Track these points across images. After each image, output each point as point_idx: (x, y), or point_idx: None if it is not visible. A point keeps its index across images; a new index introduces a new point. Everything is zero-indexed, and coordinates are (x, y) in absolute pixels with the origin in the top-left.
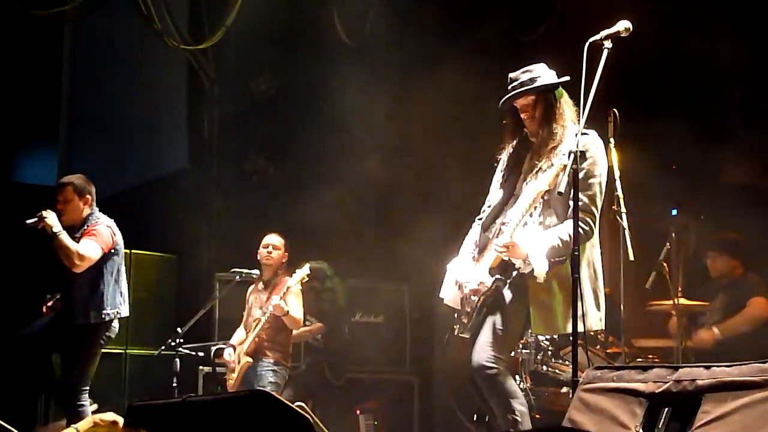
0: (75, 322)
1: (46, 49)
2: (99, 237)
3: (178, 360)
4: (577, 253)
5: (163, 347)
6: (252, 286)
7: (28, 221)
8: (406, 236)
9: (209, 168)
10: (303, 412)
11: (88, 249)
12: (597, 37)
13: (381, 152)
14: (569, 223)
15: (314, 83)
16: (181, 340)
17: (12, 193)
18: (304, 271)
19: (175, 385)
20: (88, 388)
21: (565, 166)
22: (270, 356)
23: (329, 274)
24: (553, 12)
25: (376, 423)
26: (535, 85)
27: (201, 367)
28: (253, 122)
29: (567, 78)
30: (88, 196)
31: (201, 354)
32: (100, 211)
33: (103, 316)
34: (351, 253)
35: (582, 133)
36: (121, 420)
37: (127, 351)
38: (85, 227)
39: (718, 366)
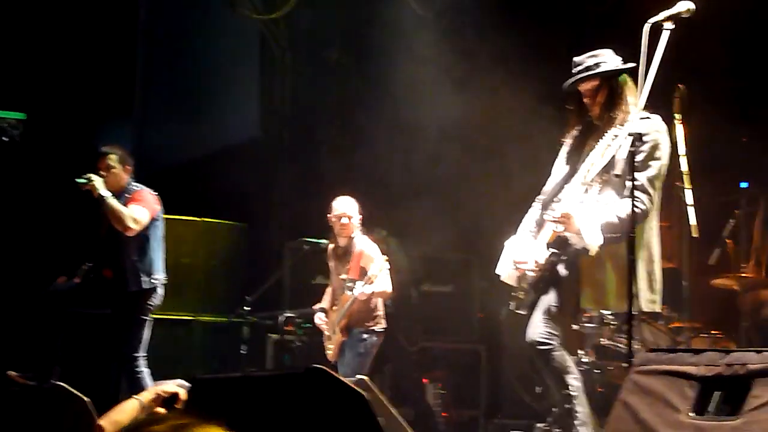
0: (128, 289)
1: (120, 20)
2: (146, 203)
3: (247, 328)
4: (633, 235)
5: (232, 315)
6: (330, 250)
7: (78, 179)
8: (475, 207)
9: (280, 137)
10: (363, 389)
11: (139, 213)
12: (658, 17)
13: (451, 126)
14: (626, 201)
15: (386, 52)
16: (251, 308)
17: (92, 159)
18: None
19: (244, 352)
20: (144, 354)
21: (615, 136)
22: (361, 326)
23: (389, 241)
24: None
25: (443, 391)
26: (600, 70)
27: (270, 335)
28: (324, 91)
29: (632, 64)
30: (129, 167)
31: (270, 322)
32: (166, 178)
33: (153, 281)
34: (420, 222)
35: (645, 117)
36: (183, 392)
37: (198, 318)
38: (128, 195)
39: None
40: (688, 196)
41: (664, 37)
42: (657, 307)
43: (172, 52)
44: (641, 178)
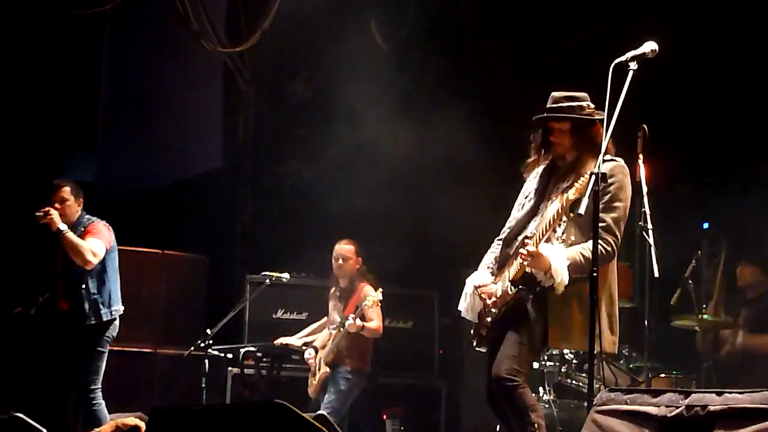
0: (87, 322)
1: (85, 49)
2: (101, 235)
3: (207, 361)
4: (595, 275)
5: (193, 348)
6: (332, 290)
7: (38, 212)
8: (437, 243)
9: (244, 170)
10: (323, 424)
11: (97, 246)
12: (623, 58)
13: (416, 158)
14: (591, 242)
15: (350, 87)
16: (211, 342)
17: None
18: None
19: (204, 386)
20: (100, 387)
21: (588, 180)
22: (348, 364)
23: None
24: (587, 24)
25: (402, 428)
26: (574, 115)
27: (230, 369)
28: (288, 125)
29: (603, 115)
30: (81, 199)
31: (230, 356)
32: (126, 209)
33: (113, 312)
34: (381, 258)
35: (610, 159)
36: (143, 425)
37: (158, 351)
38: (83, 228)
39: (730, 392)
40: (650, 237)
41: (629, 77)
42: (615, 348)
43: (135, 83)
44: (607, 218)
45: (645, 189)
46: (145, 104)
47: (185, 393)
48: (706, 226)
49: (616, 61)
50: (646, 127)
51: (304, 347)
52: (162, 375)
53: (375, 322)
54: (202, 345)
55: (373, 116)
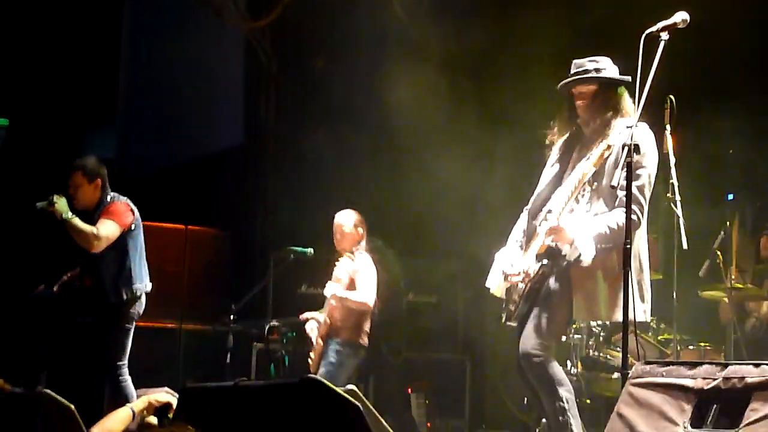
0: (108, 301)
1: (104, 27)
2: (116, 215)
3: (231, 336)
4: (629, 247)
5: (217, 323)
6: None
7: (39, 204)
8: (461, 217)
9: (265, 145)
10: (354, 398)
11: (104, 229)
12: (654, 28)
13: (440, 131)
14: (618, 211)
15: (372, 60)
16: (236, 317)
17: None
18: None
19: (228, 361)
20: (125, 363)
21: (609, 146)
22: (340, 336)
23: (385, 252)
24: None
25: (427, 402)
26: (600, 75)
27: (255, 344)
28: (309, 99)
29: (629, 78)
30: (99, 179)
31: (255, 331)
32: (149, 185)
33: (135, 290)
34: (405, 232)
35: (631, 126)
36: (174, 400)
37: (182, 327)
38: (101, 208)
39: (767, 364)
40: (678, 208)
41: (660, 47)
42: (647, 317)
43: (156, 58)
44: (633, 188)
45: (672, 160)
46: (165, 79)
47: (210, 369)
48: (731, 197)
49: (648, 31)
50: (673, 98)
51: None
52: (186, 351)
53: (364, 296)
54: (227, 320)
55: (395, 91)
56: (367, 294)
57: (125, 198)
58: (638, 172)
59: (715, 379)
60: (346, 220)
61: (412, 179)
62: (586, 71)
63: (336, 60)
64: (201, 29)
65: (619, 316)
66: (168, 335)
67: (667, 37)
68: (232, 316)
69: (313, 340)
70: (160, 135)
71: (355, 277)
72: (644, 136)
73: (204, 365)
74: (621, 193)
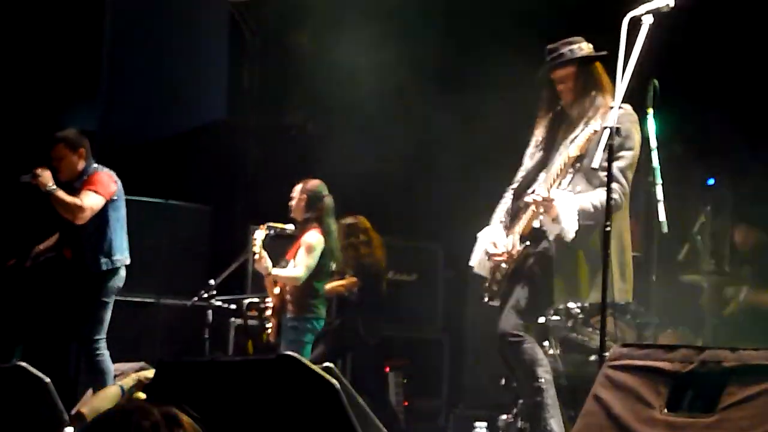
0: (88, 270)
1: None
2: (99, 185)
3: (210, 311)
4: (609, 229)
5: (195, 298)
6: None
7: (23, 177)
8: (442, 195)
9: (247, 120)
10: (330, 376)
11: (88, 200)
12: (637, 12)
13: (421, 109)
14: (601, 191)
15: (356, 37)
16: (214, 292)
17: (50, 138)
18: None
19: (207, 336)
20: (104, 337)
21: (595, 131)
22: (292, 311)
23: (366, 228)
24: None
25: (405, 380)
26: (575, 56)
27: (233, 319)
28: (293, 76)
29: (605, 52)
30: (82, 149)
31: (233, 306)
32: (129, 158)
33: (114, 262)
34: (386, 210)
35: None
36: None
37: (161, 301)
38: (84, 179)
39: (744, 349)
40: (659, 192)
41: (644, 31)
42: (629, 296)
43: (139, 32)
44: (614, 167)
45: (654, 144)
46: (149, 54)
47: (188, 343)
48: (711, 182)
49: (631, 14)
50: (656, 81)
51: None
52: (164, 325)
53: (295, 271)
54: (205, 295)
55: (378, 69)
56: (298, 269)
57: (108, 169)
58: (621, 153)
59: (692, 363)
60: (300, 188)
61: (393, 159)
62: (562, 55)
63: (320, 36)
64: (185, 4)
65: (599, 297)
66: (146, 309)
67: (651, 21)
68: (211, 292)
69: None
70: (142, 109)
71: (299, 249)
72: (628, 118)
73: (182, 340)
74: (603, 174)
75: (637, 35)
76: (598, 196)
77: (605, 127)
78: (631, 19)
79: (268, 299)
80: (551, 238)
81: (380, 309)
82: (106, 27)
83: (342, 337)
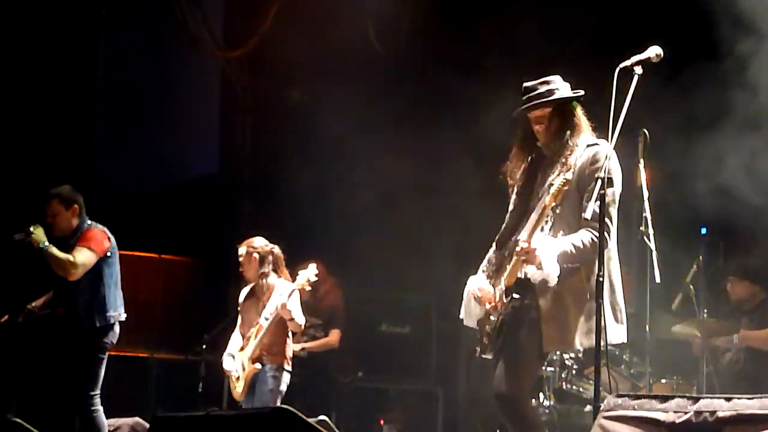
0: (81, 326)
1: (81, 53)
2: (92, 242)
3: (203, 365)
4: (602, 280)
5: (189, 353)
6: (245, 292)
7: (16, 235)
8: (436, 248)
9: (241, 174)
10: (325, 429)
11: (80, 256)
12: (627, 62)
13: (412, 162)
14: (583, 231)
15: (347, 92)
16: (208, 346)
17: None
18: (310, 272)
19: (200, 390)
20: (98, 392)
21: (567, 180)
22: (270, 361)
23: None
24: (586, 28)
25: None
26: (554, 97)
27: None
28: (285, 130)
29: (582, 92)
30: (76, 206)
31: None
32: (123, 212)
33: (108, 318)
34: (380, 263)
35: (593, 144)
36: None
37: (154, 356)
38: (78, 235)
39: (738, 398)
40: (651, 242)
41: (634, 81)
42: (624, 338)
43: (132, 86)
44: (594, 206)
45: (646, 194)
46: (141, 108)
47: (182, 398)
48: (704, 231)
49: (622, 65)
50: (646, 131)
51: (301, 351)
52: (158, 380)
53: (300, 316)
54: (199, 350)
55: (371, 122)
56: (301, 317)
57: (102, 226)
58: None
59: (686, 413)
60: (244, 250)
61: (387, 211)
62: (540, 95)
63: (311, 90)
64: (177, 58)
65: (591, 341)
66: (140, 364)
67: (640, 72)
68: (204, 346)
69: (233, 372)
70: (135, 163)
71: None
72: (604, 153)
73: (176, 395)
74: (584, 215)
75: (627, 86)
76: (580, 237)
77: (597, 178)
78: (622, 69)
79: (226, 361)
80: (536, 281)
81: (347, 352)
82: (99, 82)
83: (319, 384)
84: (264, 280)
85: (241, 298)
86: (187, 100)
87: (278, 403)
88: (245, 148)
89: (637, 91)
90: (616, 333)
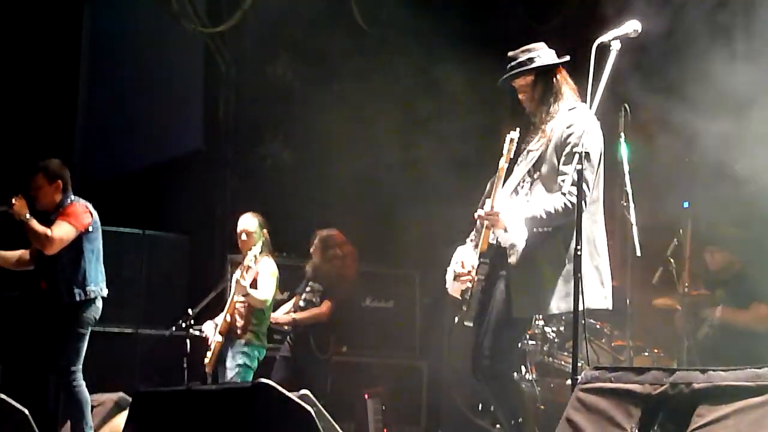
0: (62, 301)
1: (65, 29)
2: (72, 217)
3: (188, 341)
4: (579, 253)
5: (174, 328)
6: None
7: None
8: (419, 221)
9: (224, 150)
10: (306, 403)
11: (59, 230)
12: (605, 37)
13: (398, 137)
14: (557, 196)
15: (331, 68)
16: (192, 322)
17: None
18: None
19: (185, 366)
20: (80, 368)
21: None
22: (242, 337)
23: (339, 242)
24: (569, 3)
25: (384, 407)
26: (535, 65)
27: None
28: (269, 106)
29: (567, 57)
30: (60, 182)
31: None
32: (107, 190)
33: (88, 293)
34: (363, 237)
35: (571, 108)
36: None
37: (139, 331)
38: (59, 210)
39: (714, 370)
40: (633, 216)
41: (612, 56)
42: (609, 303)
43: (115, 63)
44: (568, 170)
45: (627, 168)
46: (124, 85)
47: (166, 373)
48: (686, 205)
49: (599, 40)
50: (627, 106)
51: (286, 326)
52: (143, 355)
53: (260, 291)
54: (184, 325)
55: (355, 97)
56: (267, 293)
57: (84, 201)
58: (575, 151)
59: (662, 385)
60: (249, 223)
61: (373, 185)
62: (520, 63)
63: (295, 66)
64: (160, 35)
65: (569, 305)
66: (125, 340)
67: (618, 47)
68: (189, 321)
69: (211, 339)
70: (119, 140)
71: (258, 278)
72: (580, 116)
73: (161, 370)
74: (560, 178)
75: (605, 61)
76: (552, 202)
77: (576, 153)
78: (600, 45)
79: (207, 327)
80: (506, 246)
81: (327, 328)
82: (82, 58)
83: (299, 360)
84: (256, 259)
85: (235, 272)
86: (171, 76)
87: (248, 379)
88: (229, 123)
89: (614, 66)
90: (600, 298)
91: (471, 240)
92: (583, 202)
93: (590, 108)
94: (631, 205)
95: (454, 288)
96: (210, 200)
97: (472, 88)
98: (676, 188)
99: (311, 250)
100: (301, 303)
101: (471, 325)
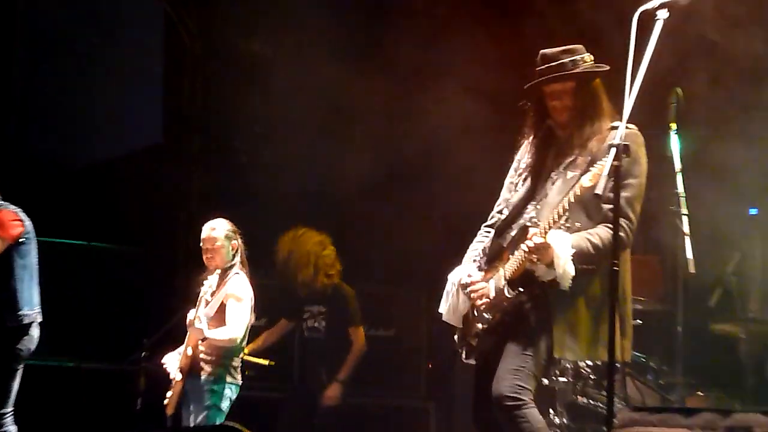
0: None
1: None
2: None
3: (144, 377)
4: (616, 269)
5: (126, 361)
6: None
7: None
8: (425, 234)
9: (189, 144)
10: None
11: None
12: (650, 5)
13: (399, 133)
14: (602, 228)
15: (312, 44)
16: (148, 353)
17: None
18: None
19: (139, 407)
20: (11, 410)
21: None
22: (208, 372)
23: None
24: None
25: None
26: (579, 69)
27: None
28: (243, 89)
29: (607, 67)
30: None
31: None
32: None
33: (20, 318)
34: (359, 253)
35: (615, 127)
36: None
37: (83, 365)
38: None
39: None
40: (685, 224)
41: (657, 28)
42: (627, 355)
43: (59, 40)
44: (620, 200)
45: (678, 166)
46: (68, 66)
47: (116, 416)
48: (753, 212)
49: (642, 8)
50: (680, 90)
51: (271, 363)
52: (88, 394)
53: (227, 329)
54: (138, 358)
55: (345, 81)
56: (236, 329)
57: (14, 206)
58: (628, 181)
59: (715, 430)
60: (218, 231)
61: (370, 188)
62: (562, 66)
63: (273, 42)
64: (110, 3)
65: (601, 355)
66: (65, 375)
67: (666, 16)
68: (144, 353)
69: (172, 375)
70: (62, 133)
71: (227, 303)
72: (635, 139)
73: (110, 411)
74: (607, 207)
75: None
76: (600, 235)
77: (611, 146)
78: (642, 13)
79: (168, 359)
80: (546, 279)
81: (323, 355)
82: (18, 32)
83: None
84: (226, 276)
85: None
86: (124, 53)
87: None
88: (194, 112)
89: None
90: (620, 349)
91: (474, 261)
92: (630, 231)
93: (630, 93)
94: (684, 210)
95: (452, 314)
96: (171, 205)
97: (480, 71)
98: (740, 191)
99: (292, 265)
100: (306, 333)
101: (474, 362)
